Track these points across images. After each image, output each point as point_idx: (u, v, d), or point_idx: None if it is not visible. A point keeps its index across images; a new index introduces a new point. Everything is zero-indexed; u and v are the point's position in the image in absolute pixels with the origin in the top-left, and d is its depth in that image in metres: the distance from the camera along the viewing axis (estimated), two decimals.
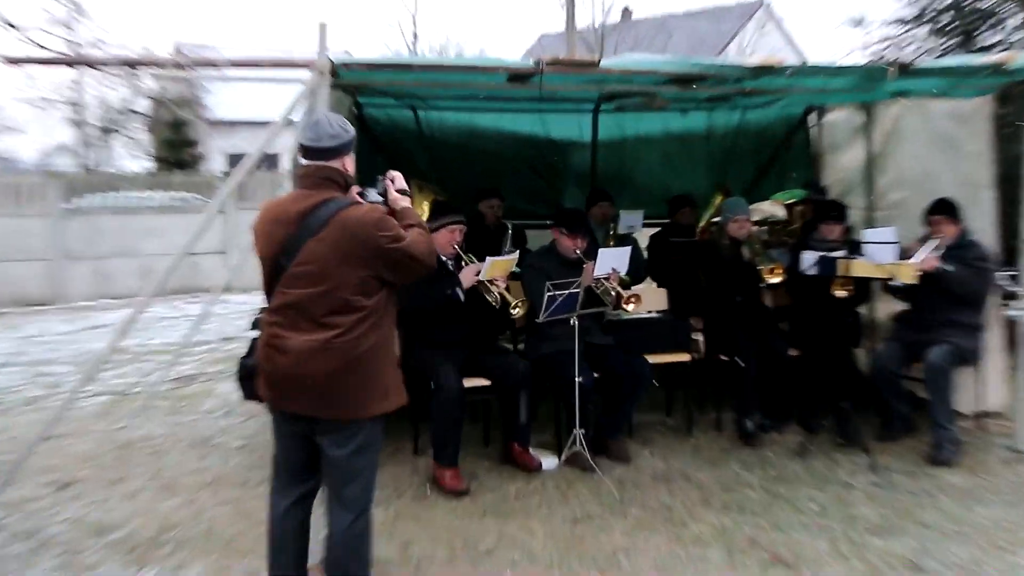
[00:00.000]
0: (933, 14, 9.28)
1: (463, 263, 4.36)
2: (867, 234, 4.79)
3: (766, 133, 6.46)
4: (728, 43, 24.50)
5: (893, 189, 5.63)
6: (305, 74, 3.51)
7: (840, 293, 4.63)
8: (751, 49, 21.98)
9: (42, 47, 16.28)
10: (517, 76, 4.12)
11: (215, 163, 22.67)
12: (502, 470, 4.40)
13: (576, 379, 4.30)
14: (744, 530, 3.66)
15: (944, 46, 9.08)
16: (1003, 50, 7.96)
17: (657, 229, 6.04)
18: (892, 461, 4.47)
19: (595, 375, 4.48)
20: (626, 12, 23.67)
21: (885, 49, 9.59)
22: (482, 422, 4.86)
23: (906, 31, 9.59)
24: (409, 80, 4.62)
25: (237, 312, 9.77)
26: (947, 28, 9.17)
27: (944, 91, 4.89)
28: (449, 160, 6.10)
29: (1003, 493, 4.07)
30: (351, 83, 4.41)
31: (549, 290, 4.21)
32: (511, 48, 50.90)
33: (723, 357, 5.00)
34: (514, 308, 4.31)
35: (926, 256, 4.57)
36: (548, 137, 6.37)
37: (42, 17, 23.07)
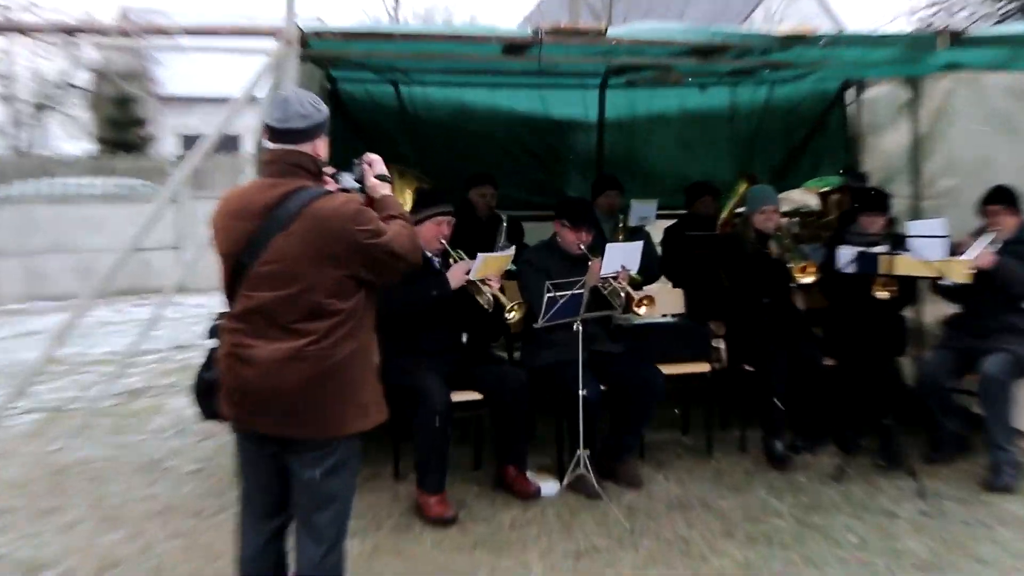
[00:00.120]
0: None
1: (451, 260, 4.36)
2: (913, 227, 4.79)
3: (797, 112, 6.49)
4: (754, 9, 24.55)
5: (943, 175, 5.65)
6: (271, 44, 3.53)
7: (882, 294, 4.64)
8: (780, 16, 22.06)
9: None
10: (513, 47, 4.14)
11: (167, 145, 22.69)
12: (495, 497, 4.41)
13: (580, 392, 4.31)
14: (772, 566, 3.66)
15: (1003, 11, 9.09)
16: None
17: (673, 221, 6.07)
18: (942, 487, 4.48)
19: (601, 388, 4.48)
20: None
21: (934, 15, 9.62)
22: (473, 442, 4.86)
23: None
24: (390, 51, 4.64)
25: (192, 316, 9.76)
26: None
27: (1002, 63, 4.90)
28: (435, 142, 6.11)
29: None
30: (323, 54, 4.42)
31: (549, 291, 4.22)
32: (506, 15, 51.05)
33: (748, 367, 5.02)
34: (509, 311, 4.32)
35: (981, 251, 4.58)
36: (548, 116, 6.39)
37: None
